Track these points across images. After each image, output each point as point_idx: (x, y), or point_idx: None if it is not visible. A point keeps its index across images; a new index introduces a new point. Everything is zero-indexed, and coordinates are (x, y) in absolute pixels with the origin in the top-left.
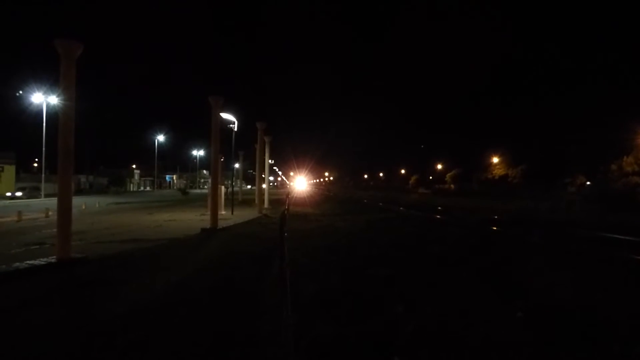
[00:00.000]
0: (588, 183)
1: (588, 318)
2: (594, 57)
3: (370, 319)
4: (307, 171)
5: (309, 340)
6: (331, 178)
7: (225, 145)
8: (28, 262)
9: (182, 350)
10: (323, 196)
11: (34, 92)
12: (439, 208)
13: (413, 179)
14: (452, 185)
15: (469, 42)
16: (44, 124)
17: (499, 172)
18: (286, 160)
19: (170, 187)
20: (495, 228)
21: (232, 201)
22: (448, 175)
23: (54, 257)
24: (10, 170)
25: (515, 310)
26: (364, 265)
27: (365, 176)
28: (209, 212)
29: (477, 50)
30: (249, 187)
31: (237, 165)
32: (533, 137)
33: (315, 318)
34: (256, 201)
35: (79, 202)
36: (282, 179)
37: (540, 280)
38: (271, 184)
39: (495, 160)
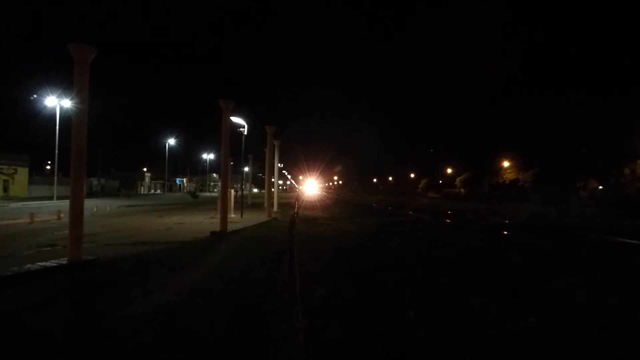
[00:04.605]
0: (600, 187)
1: (602, 324)
2: (606, 59)
3: (381, 324)
4: (316, 175)
5: (319, 344)
6: (340, 182)
7: (235, 148)
8: (40, 263)
9: (192, 353)
10: (332, 200)
11: (48, 95)
12: (449, 212)
13: (422, 183)
14: (462, 190)
15: (480, 46)
16: (57, 127)
17: (509, 176)
18: (296, 163)
19: (180, 190)
20: (506, 232)
21: (242, 204)
22: (458, 179)
23: (66, 258)
24: (23, 172)
25: (527, 315)
26: (374, 269)
27: (375, 180)
28: (218, 215)
29: (488, 54)
30: (257, 190)
31: (246, 169)
32: (544, 141)
33: (325, 322)
34: (265, 205)
35: (90, 205)
36: (291, 182)
37: (552, 285)
38: (280, 187)
39: (506, 164)
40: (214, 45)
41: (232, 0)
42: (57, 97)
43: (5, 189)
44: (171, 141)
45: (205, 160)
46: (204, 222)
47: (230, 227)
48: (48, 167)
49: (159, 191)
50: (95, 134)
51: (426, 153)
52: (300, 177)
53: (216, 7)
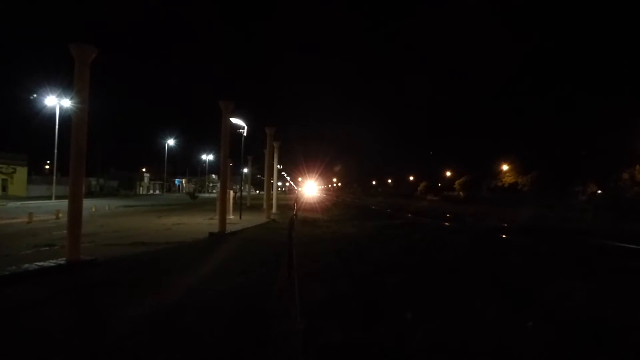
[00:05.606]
0: (599, 192)
1: (599, 328)
2: (606, 61)
3: (380, 326)
4: (315, 177)
5: (319, 346)
6: (339, 184)
7: (235, 149)
8: (37, 263)
9: (192, 353)
10: (331, 202)
11: (47, 94)
12: (448, 215)
13: (422, 185)
14: (461, 193)
15: (480, 47)
16: (57, 127)
17: (509, 179)
18: (295, 165)
19: (179, 191)
20: (505, 236)
21: (241, 206)
22: (457, 182)
23: (64, 258)
24: (22, 172)
25: (527, 316)
26: (373, 272)
27: (374, 182)
28: (217, 216)
29: (488, 55)
30: (256, 192)
31: (245, 170)
32: (543, 143)
33: (324, 323)
34: (264, 206)
35: (89, 205)
36: (290, 184)
37: (552, 287)
38: (280, 189)
39: (505, 167)
40: (214, 45)
41: (232, 0)
42: (57, 97)
43: (4, 188)
44: (170, 142)
45: (205, 161)
46: (202, 223)
47: (229, 228)
48: (47, 166)
49: (157, 192)
50: (95, 134)
51: (425, 155)
52: (300, 179)
53: (216, 7)
